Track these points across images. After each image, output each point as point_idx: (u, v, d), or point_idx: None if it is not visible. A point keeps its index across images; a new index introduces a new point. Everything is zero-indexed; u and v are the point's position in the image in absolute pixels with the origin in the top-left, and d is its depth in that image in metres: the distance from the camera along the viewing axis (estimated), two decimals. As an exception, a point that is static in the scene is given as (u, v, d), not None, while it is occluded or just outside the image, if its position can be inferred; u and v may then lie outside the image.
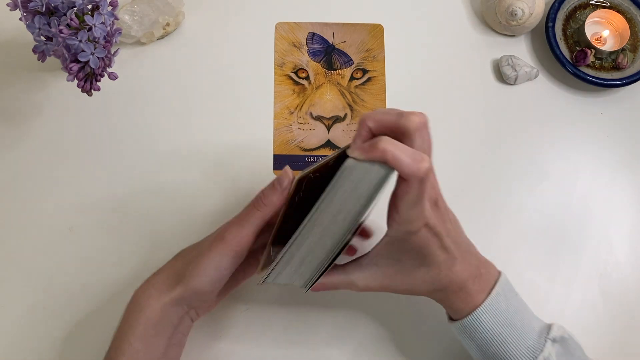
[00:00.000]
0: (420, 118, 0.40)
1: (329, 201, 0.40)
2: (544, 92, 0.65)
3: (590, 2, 0.67)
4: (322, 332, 0.55)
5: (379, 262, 0.46)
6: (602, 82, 0.63)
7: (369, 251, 0.47)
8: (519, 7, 0.63)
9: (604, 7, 0.67)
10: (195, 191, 0.59)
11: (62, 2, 0.49)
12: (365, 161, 0.39)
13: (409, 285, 0.47)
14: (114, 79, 0.53)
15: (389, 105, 0.63)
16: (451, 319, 0.49)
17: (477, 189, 0.61)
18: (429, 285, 0.46)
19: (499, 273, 0.49)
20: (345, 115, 0.63)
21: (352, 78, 0.64)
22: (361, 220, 0.41)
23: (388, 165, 0.38)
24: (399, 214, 0.41)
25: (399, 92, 0.64)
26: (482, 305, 0.46)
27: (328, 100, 0.63)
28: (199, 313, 0.49)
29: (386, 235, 0.44)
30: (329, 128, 0.62)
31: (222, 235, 0.46)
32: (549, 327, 0.47)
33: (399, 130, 0.40)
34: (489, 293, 0.46)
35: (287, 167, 0.47)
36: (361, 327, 0.56)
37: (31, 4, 0.49)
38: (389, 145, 0.38)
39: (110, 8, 0.51)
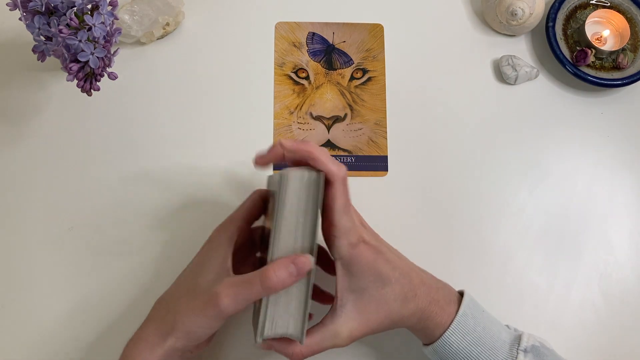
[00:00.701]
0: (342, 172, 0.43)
1: (282, 220, 0.41)
2: (544, 92, 0.65)
3: (591, 1, 0.67)
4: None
5: (348, 299, 0.44)
6: (603, 82, 0.63)
7: (334, 296, 0.45)
8: (519, 7, 0.63)
9: (604, 7, 0.67)
10: (196, 190, 0.59)
11: (62, 2, 0.49)
12: (295, 169, 0.42)
13: (386, 311, 0.45)
14: (113, 79, 0.53)
15: (389, 105, 0.63)
16: (424, 344, 0.49)
17: (477, 189, 0.61)
18: (403, 306, 0.45)
19: (460, 293, 0.49)
20: (345, 115, 0.63)
21: (352, 78, 0.64)
22: (317, 233, 0.42)
23: (314, 165, 0.42)
24: (335, 226, 0.43)
25: (399, 92, 0.64)
26: (450, 327, 0.46)
27: (328, 100, 0.63)
28: (194, 352, 0.48)
29: (336, 261, 0.44)
30: (329, 128, 0.62)
31: (217, 299, 0.42)
32: (519, 338, 0.48)
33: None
34: (455, 314, 0.46)
35: (309, 256, 0.42)
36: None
37: (31, 4, 0.49)
38: (314, 147, 0.42)
39: (110, 8, 0.51)
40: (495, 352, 0.46)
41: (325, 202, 0.43)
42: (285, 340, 0.43)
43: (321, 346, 0.44)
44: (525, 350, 0.46)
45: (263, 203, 0.50)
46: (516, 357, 0.46)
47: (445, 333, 0.46)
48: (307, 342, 0.43)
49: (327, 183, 0.42)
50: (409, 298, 0.46)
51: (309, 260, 0.42)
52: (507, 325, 0.50)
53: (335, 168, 0.42)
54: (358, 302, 0.45)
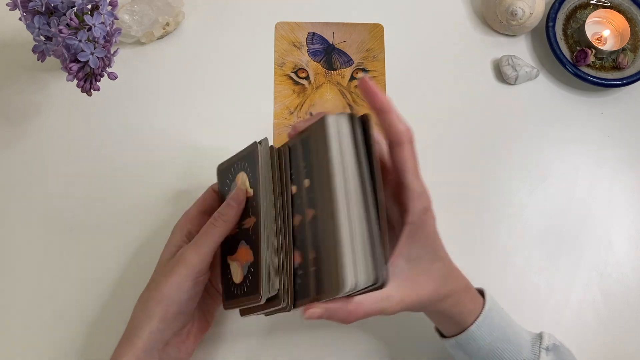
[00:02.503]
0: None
1: (330, 166, 0.38)
2: (544, 92, 0.65)
3: (591, 1, 0.67)
4: (324, 334, 0.55)
5: (403, 267, 0.42)
6: (603, 82, 0.63)
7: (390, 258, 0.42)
8: (519, 7, 0.63)
9: (605, 7, 0.67)
10: (196, 190, 0.59)
11: (62, 2, 0.49)
12: (341, 114, 0.39)
13: (433, 286, 0.43)
14: (113, 79, 0.53)
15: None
16: (442, 335, 0.49)
17: (477, 188, 0.61)
18: (444, 285, 0.44)
19: (481, 290, 0.49)
20: (345, 115, 0.63)
21: (352, 78, 0.64)
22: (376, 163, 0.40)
23: (384, 120, 0.40)
24: (409, 188, 0.40)
25: (399, 92, 0.64)
26: (477, 321, 0.46)
27: (328, 100, 0.63)
28: (181, 350, 0.48)
29: (406, 225, 0.41)
30: (329, 128, 0.62)
31: (181, 257, 0.46)
32: (540, 337, 0.48)
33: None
34: (482, 308, 0.46)
35: (240, 186, 0.48)
36: (361, 341, 0.56)
37: (31, 4, 0.49)
38: (389, 99, 0.40)
39: (110, 8, 0.51)
40: (520, 349, 0.46)
41: (393, 164, 0.41)
42: (337, 301, 0.39)
43: (373, 308, 0.41)
44: (547, 349, 0.46)
45: (218, 195, 0.52)
46: (539, 355, 0.46)
47: (471, 327, 0.45)
48: (359, 301, 0.40)
49: (395, 144, 0.40)
50: (451, 279, 0.45)
51: (244, 190, 0.46)
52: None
53: (404, 127, 0.40)
54: (411, 271, 0.42)
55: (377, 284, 0.38)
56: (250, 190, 0.46)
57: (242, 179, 0.48)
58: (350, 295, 0.39)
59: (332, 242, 0.37)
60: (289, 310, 0.42)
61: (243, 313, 0.48)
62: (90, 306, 0.55)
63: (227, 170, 0.51)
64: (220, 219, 0.47)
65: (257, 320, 0.55)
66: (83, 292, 0.55)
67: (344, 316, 0.40)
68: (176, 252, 0.48)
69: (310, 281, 0.40)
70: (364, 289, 0.38)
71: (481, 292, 0.48)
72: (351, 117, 0.40)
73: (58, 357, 0.54)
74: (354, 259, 0.37)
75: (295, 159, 0.43)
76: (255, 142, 0.47)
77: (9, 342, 0.54)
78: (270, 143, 0.47)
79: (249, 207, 0.46)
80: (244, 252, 0.46)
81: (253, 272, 0.44)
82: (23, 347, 0.54)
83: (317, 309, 0.39)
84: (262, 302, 0.43)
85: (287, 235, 0.43)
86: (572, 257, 0.59)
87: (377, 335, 0.55)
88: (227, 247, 0.49)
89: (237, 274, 0.47)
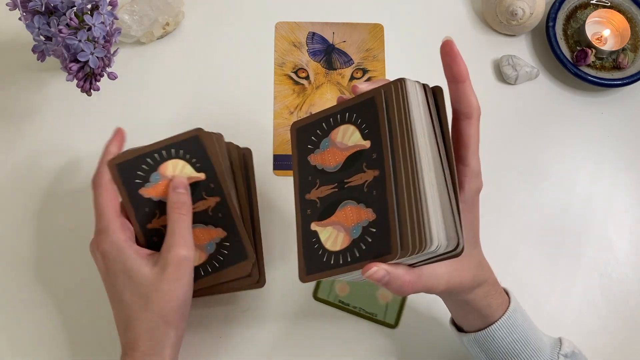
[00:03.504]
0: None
1: (414, 127, 0.37)
2: (544, 92, 0.65)
3: (591, 1, 0.67)
4: (324, 334, 0.55)
5: None
6: (603, 82, 0.63)
7: None
8: (520, 7, 0.63)
9: (605, 7, 0.67)
10: (195, 191, 0.59)
11: (62, 2, 0.49)
12: (416, 82, 0.39)
13: (474, 270, 0.42)
14: (113, 79, 0.53)
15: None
16: (460, 330, 0.48)
17: (477, 189, 0.61)
18: (481, 272, 0.43)
19: (505, 288, 0.48)
20: (345, 115, 0.63)
21: (352, 78, 0.64)
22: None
23: (458, 88, 0.39)
24: (469, 166, 0.39)
25: (399, 92, 0.64)
26: (501, 320, 0.45)
27: (328, 100, 0.63)
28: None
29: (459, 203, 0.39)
30: (329, 128, 0.62)
31: (176, 259, 0.45)
32: (559, 343, 0.47)
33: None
34: (507, 307, 0.45)
35: (180, 177, 0.50)
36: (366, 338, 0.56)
37: (30, 4, 0.49)
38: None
39: (109, 8, 0.51)
40: (539, 353, 0.46)
41: (457, 137, 0.39)
42: (400, 267, 0.37)
43: (422, 283, 0.39)
44: (565, 356, 0.46)
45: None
46: None
47: (494, 325, 0.45)
48: (422, 272, 0.38)
49: (464, 116, 0.39)
50: (485, 268, 0.44)
51: (185, 178, 0.49)
52: None
53: (476, 101, 0.38)
54: None
55: (457, 250, 0.36)
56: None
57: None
58: (414, 266, 0.38)
59: (416, 201, 0.36)
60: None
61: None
62: (90, 306, 0.55)
63: (135, 163, 0.50)
64: (184, 208, 0.48)
65: (270, 296, 0.55)
66: (83, 292, 0.55)
67: (402, 284, 0.37)
68: (144, 260, 0.46)
69: (374, 241, 0.38)
70: (443, 254, 0.36)
71: (505, 291, 0.47)
72: (424, 86, 0.40)
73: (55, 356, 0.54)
74: (436, 219, 0.36)
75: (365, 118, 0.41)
76: (198, 128, 0.49)
77: (6, 342, 0.54)
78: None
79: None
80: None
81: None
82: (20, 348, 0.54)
83: (380, 269, 0.36)
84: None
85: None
86: (572, 257, 0.59)
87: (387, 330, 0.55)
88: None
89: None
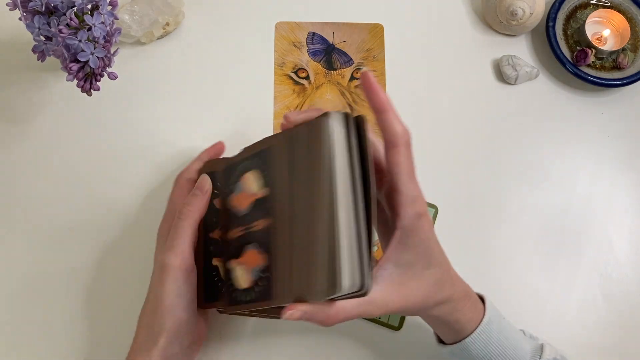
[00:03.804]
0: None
1: (322, 168, 0.38)
2: (544, 92, 0.65)
3: (591, 1, 0.67)
4: (327, 336, 0.55)
5: (392, 271, 0.41)
6: (603, 82, 0.63)
7: (377, 261, 0.42)
8: (520, 7, 0.63)
9: (605, 7, 0.67)
10: (195, 191, 0.59)
11: (62, 2, 0.49)
12: (337, 113, 0.39)
13: (424, 293, 0.42)
14: (113, 79, 0.53)
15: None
16: (441, 342, 0.48)
17: (477, 188, 0.61)
18: (439, 291, 0.43)
19: (482, 296, 0.47)
20: (345, 115, 0.63)
21: (352, 78, 0.64)
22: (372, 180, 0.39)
23: (381, 120, 0.39)
24: (402, 193, 0.39)
25: (399, 92, 0.64)
26: (473, 334, 0.44)
27: (328, 100, 0.63)
28: (193, 348, 0.48)
29: (396, 229, 0.40)
30: (329, 128, 0.62)
31: (163, 264, 0.46)
32: (541, 349, 0.47)
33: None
34: (481, 320, 0.45)
35: (205, 175, 0.49)
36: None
37: (31, 4, 0.49)
38: (389, 99, 0.40)
39: (110, 8, 0.51)
40: None
41: (388, 167, 0.40)
42: (317, 304, 0.39)
43: (355, 312, 0.40)
44: None
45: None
46: None
47: (466, 340, 0.44)
48: (341, 305, 0.39)
49: (391, 145, 0.39)
50: (447, 285, 0.44)
51: (209, 179, 0.47)
52: (522, 331, 0.50)
53: (401, 129, 0.39)
54: (401, 276, 0.41)
55: (361, 291, 0.37)
56: (264, 190, 0.44)
57: (251, 178, 0.46)
58: (330, 300, 0.39)
59: (319, 245, 0.37)
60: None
61: (226, 312, 0.48)
62: (90, 306, 0.55)
63: (229, 171, 0.50)
64: (186, 209, 0.47)
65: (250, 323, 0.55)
66: (83, 293, 0.55)
67: (324, 319, 0.39)
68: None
69: (274, 285, 0.41)
70: (347, 294, 0.37)
71: (482, 299, 0.47)
72: (346, 116, 0.39)
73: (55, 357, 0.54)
74: (343, 262, 0.36)
75: (275, 159, 0.43)
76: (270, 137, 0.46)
77: (7, 342, 0.54)
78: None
79: (261, 209, 0.44)
80: (253, 256, 0.45)
81: (266, 276, 0.43)
82: (19, 348, 0.54)
83: (296, 310, 0.38)
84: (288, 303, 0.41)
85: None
86: (572, 258, 0.59)
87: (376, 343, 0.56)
88: (219, 249, 0.48)
89: (244, 279, 0.45)
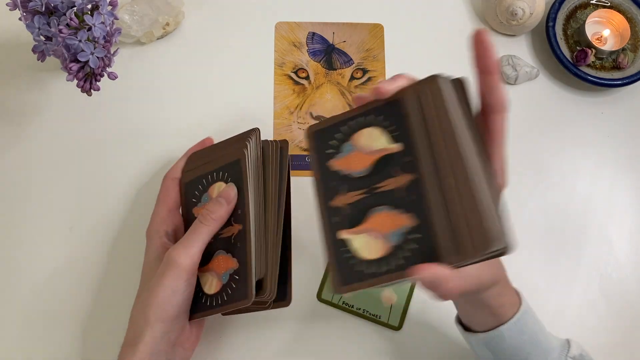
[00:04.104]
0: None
1: (454, 126, 0.36)
2: (544, 92, 0.65)
3: (591, 1, 0.67)
4: (328, 336, 0.55)
5: None
6: (603, 82, 0.63)
7: None
8: (520, 7, 0.63)
9: (605, 7, 0.67)
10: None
11: (62, 2, 0.49)
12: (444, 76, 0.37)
13: (492, 270, 0.42)
14: (113, 79, 0.53)
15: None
16: (467, 329, 0.48)
17: (477, 189, 0.61)
18: (498, 269, 0.43)
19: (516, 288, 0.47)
20: (345, 115, 0.63)
21: (352, 78, 0.64)
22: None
23: (490, 87, 0.37)
24: (496, 163, 0.37)
25: (399, 92, 0.64)
26: (512, 320, 0.44)
27: (328, 100, 0.63)
28: (185, 347, 0.49)
29: None
30: (329, 128, 0.62)
31: (171, 260, 0.46)
32: (568, 345, 0.47)
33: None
34: (519, 307, 0.45)
35: (232, 184, 0.49)
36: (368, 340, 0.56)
37: (31, 4, 0.49)
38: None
39: (110, 8, 0.51)
40: (547, 355, 0.45)
41: (487, 130, 0.38)
42: (448, 269, 0.35)
43: (466, 285, 0.38)
44: (573, 358, 0.46)
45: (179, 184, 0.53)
46: None
47: (504, 325, 0.44)
48: (463, 274, 0.37)
49: (494, 110, 0.37)
50: (502, 266, 0.44)
51: (235, 189, 0.47)
52: None
53: (506, 94, 0.37)
54: None
55: (505, 248, 0.35)
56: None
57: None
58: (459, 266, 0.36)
59: (470, 202, 0.34)
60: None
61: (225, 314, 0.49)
62: (90, 306, 0.55)
63: (195, 183, 0.51)
64: (210, 217, 0.47)
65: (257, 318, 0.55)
66: (82, 293, 0.56)
67: (452, 288, 0.35)
68: (161, 255, 0.48)
69: (435, 244, 0.36)
70: (493, 251, 0.34)
71: (516, 292, 0.47)
72: (453, 80, 0.38)
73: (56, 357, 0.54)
74: (492, 219, 0.34)
75: (395, 119, 0.39)
76: (243, 149, 0.48)
77: (7, 342, 0.54)
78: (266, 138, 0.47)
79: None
80: (223, 261, 0.47)
81: (239, 278, 0.45)
82: (20, 347, 0.54)
83: (433, 270, 0.34)
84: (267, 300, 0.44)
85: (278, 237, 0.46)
86: (572, 258, 0.59)
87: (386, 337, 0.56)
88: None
89: (212, 285, 0.47)
